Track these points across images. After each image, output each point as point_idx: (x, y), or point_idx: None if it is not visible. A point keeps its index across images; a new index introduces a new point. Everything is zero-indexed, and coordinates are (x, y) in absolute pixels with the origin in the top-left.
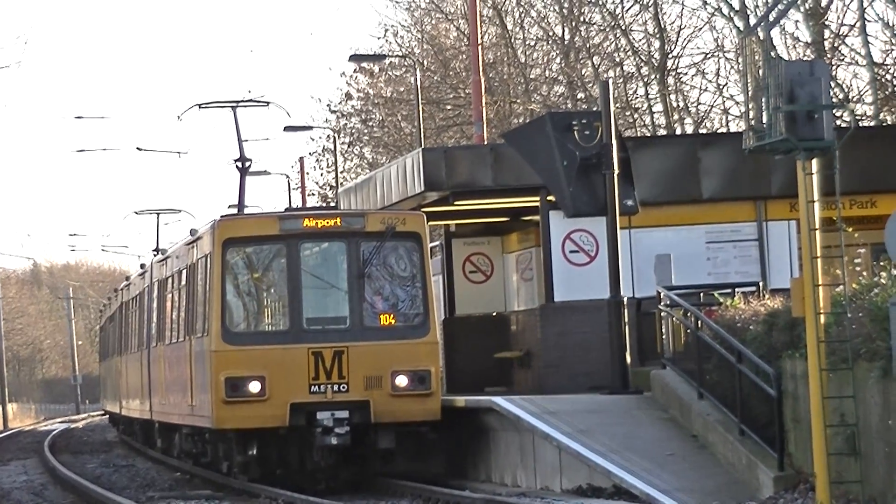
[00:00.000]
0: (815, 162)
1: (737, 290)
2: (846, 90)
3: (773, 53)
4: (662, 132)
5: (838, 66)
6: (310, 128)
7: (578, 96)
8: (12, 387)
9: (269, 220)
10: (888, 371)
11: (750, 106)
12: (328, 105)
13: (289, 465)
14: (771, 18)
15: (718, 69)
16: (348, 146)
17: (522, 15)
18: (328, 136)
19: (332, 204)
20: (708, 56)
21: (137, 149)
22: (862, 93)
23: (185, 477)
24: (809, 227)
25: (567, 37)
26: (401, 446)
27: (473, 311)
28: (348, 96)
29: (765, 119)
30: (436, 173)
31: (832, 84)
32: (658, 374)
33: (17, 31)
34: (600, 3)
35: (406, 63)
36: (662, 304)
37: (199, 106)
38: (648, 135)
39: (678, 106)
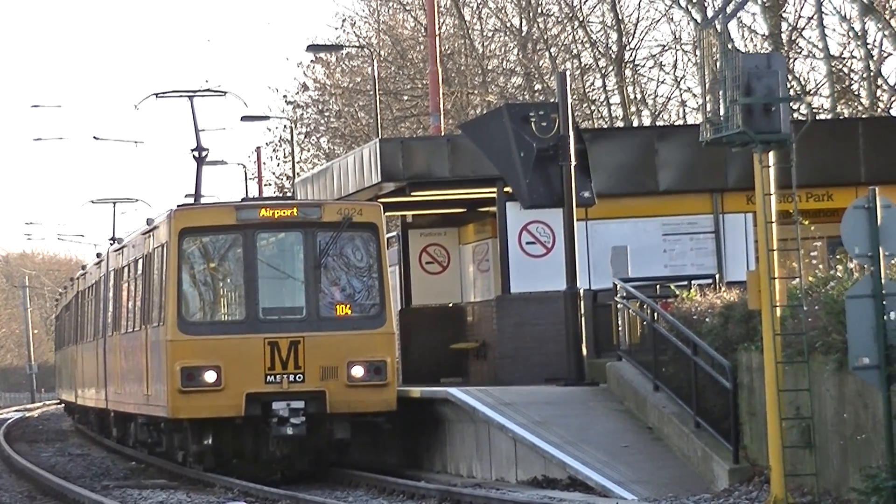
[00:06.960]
0: (771, 155)
1: (693, 282)
2: (803, 83)
3: (730, 46)
4: (619, 124)
5: (795, 58)
6: (267, 118)
7: (536, 88)
8: None
9: (226, 209)
10: (843, 364)
11: (707, 98)
12: (284, 96)
13: (244, 455)
14: (728, 11)
15: (676, 61)
16: (305, 136)
17: (480, 5)
18: (285, 126)
19: (289, 194)
20: (665, 48)
21: (94, 138)
22: (819, 86)
23: (140, 466)
24: (766, 219)
25: (524, 28)
26: (356, 437)
27: (430, 301)
28: (305, 87)
29: (722, 111)
30: (393, 164)
31: (789, 77)
32: (614, 366)
33: None
34: None
35: (363, 53)
36: (619, 295)
37: (157, 95)
38: (605, 127)
39: (635, 98)
